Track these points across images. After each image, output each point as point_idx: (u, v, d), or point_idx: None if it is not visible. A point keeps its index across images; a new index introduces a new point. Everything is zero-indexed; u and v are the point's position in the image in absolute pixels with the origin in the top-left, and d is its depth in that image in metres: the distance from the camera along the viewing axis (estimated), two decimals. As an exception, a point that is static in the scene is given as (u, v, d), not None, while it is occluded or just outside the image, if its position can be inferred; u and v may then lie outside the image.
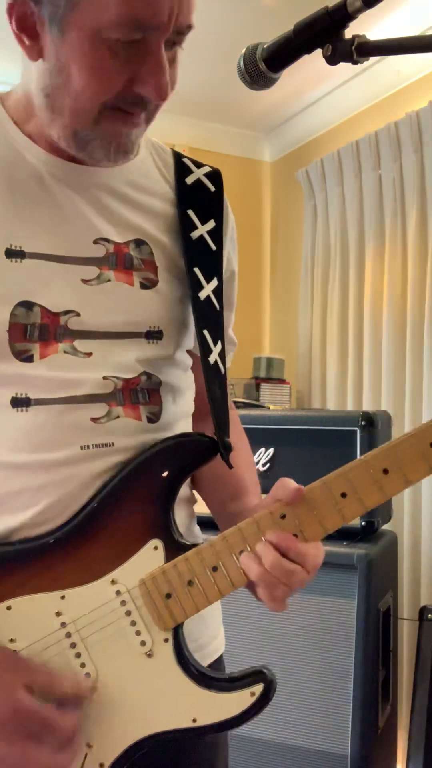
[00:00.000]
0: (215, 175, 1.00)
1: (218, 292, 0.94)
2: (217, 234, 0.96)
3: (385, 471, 0.80)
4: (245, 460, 1.02)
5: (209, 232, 0.95)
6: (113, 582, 0.82)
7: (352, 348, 2.82)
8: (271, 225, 3.66)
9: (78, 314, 0.85)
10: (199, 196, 0.97)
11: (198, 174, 0.99)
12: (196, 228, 0.94)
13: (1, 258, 0.81)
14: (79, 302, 0.85)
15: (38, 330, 0.82)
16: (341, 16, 0.81)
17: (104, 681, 0.81)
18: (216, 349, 0.92)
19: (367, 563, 1.90)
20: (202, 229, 0.95)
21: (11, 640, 0.81)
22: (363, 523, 1.99)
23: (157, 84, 0.78)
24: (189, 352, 0.98)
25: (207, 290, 0.92)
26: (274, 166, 3.63)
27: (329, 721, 1.88)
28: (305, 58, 0.88)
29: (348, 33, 0.83)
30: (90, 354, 0.85)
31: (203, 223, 0.95)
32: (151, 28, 0.75)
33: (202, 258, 0.93)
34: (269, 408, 2.78)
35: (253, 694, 0.81)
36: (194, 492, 1.02)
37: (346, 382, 2.85)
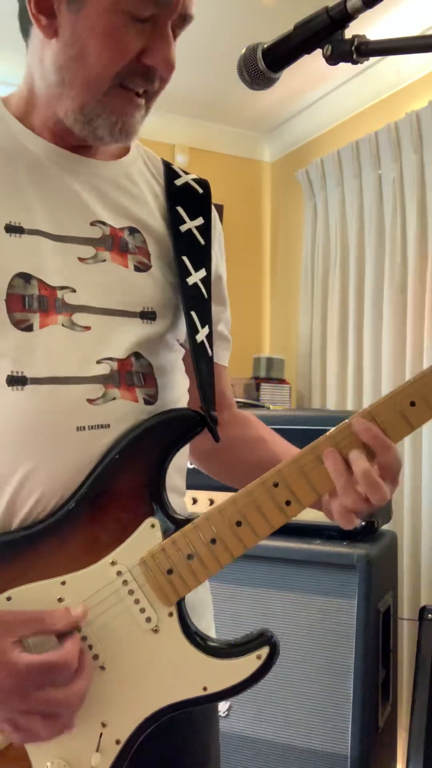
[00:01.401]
0: (203, 182, 1.05)
1: (206, 282, 0.97)
2: (206, 231, 1.00)
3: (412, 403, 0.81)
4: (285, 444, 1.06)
5: (197, 228, 0.99)
6: (113, 563, 0.83)
7: (352, 348, 2.82)
8: (271, 225, 3.66)
9: (74, 290, 0.87)
10: (187, 195, 1.01)
11: (186, 178, 1.04)
12: (184, 222, 0.98)
13: (1, 232, 0.84)
14: (76, 279, 0.87)
15: (37, 301, 0.84)
16: (341, 16, 0.81)
17: (113, 660, 0.82)
18: (203, 331, 0.94)
19: (367, 563, 1.90)
20: (191, 224, 0.99)
21: None
22: (363, 523, 2.00)
23: (166, 56, 0.85)
24: (181, 345, 1.00)
25: (195, 277, 0.95)
26: (274, 166, 3.63)
27: (329, 721, 1.88)
28: (305, 58, 0.88)
29: (348, 33, 0.83)
30: (88, 328, 0.87)
31: (191, 219, 0.99)
32: (163, 5, 0.83)
33: (191, 249, 0.97)
34: (269, 408, 2.79)
35: (259, 657, 0.82)
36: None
37: (346, 382, 2.85)
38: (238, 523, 0.82)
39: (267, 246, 3.66)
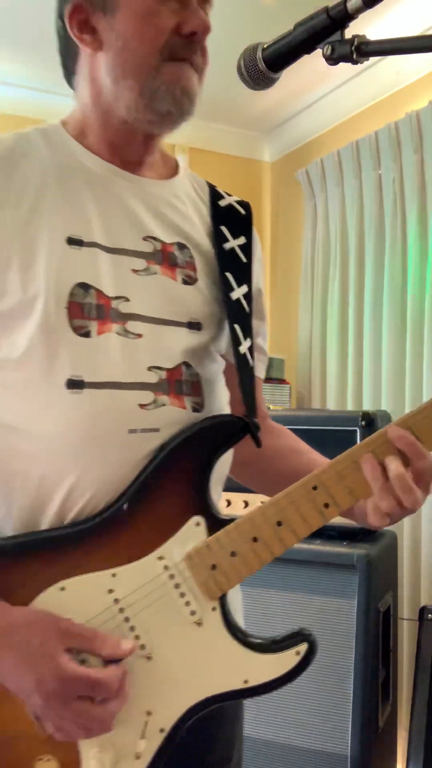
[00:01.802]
0: (245, 204, 1.12)
1: (248, 297, 1.03)
2: (247, 250, 1.06)
3: None
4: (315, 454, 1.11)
5: (240, 246, 1.05)
6: (160, 558, 0.87)
7: (352, 348, 2.82)
8: (271, 225, 3.66)
9: (128, 300, 0.93)
10: (230, 216, 1.08)
11: (230, 200, 1.11)
12: (228, 241, 1.05)
13: (63, 244, 0.90)
14: (129, 289, 0.93)
15: (95, 309, 0.90)
16: (341, 16, 0.81)
17: (158, 651, 0.86)
18: (245, 344, 1.00)
19: (367, 563, 1.90)
20: (234, 243, 1.05)
21: None
22: (363, 523, 1.99)
23: (200, 19, 0.93)
24: (222, 357, 1.06)
25: (238, 293, 1.01)
26: (274, 166, 3.63)
27: (329, 721, 1.89)
28: (305, 58, 0.88)
29: (348, 33, 0.83)
30: (140, 335, 0.92)
31: (234, 238, 1.05)
32: None
33: (234, 266, 1.03)
34: (269, 408, 2.79)
35: (298, 653, 0.87)
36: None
37: (346, 382, 2.85)
38: (279, 524, 0.87)
39: (267, 246, 3.66)
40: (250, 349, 1.01)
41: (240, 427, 0.92)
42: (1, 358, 0.89)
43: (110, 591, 0.86)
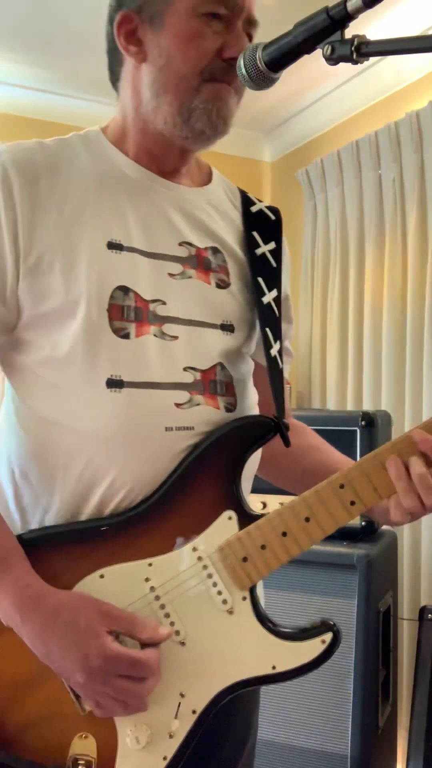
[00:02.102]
0: (275, 210, 1.15)
1: (277, 301, 1.07)
2: (277, 255, 1.10)
3: None
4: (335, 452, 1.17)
5: (270, 252, 1.09)
6: (194, 549, 0.92)
7: (352, 348, 2.82)
8: (271, 225, 3.66)
9: (164, 303, 0.97)
10: (261, 222, 1.12)
11: (260, 206, 1.14)
12: (259, 246, 1.08)
13: (104, 249, 0.94)
14: (165, 293, 0.97)
15: (134, 312, 0.94)
16: (341, 16, 0.81)
17: (192, 637, 0.91)
18: (276, 346, 1.05)
19: (367, 563, 1.90)
20: (265, 248, 1.09)
21: None
22: (363, 523, 2.00)
23: (241, 45, 0.94)
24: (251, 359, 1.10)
25: (268, 297, 1.05)
26: (274, 166, 3.63)
27: (329, 721, 1.89)
28: (305, 58, 0.88)
29: (348, 33, 0.83)
30: (176, 337, 0.96)
31: (265, 243, 1.09)
32: (230, 4, 0.94)
33: (265, 271, 1.07)
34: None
35: (323, 641, 0.91)
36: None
37: (346, 382, 2.85)
38: (307, 519, 0.92)
39: (267, 246, 3.66)
40: (280, 351, 1.05)
41: (271, 427, 0.97)
42: (45, 357, 0.94)
43: (147, 579, 0.91)
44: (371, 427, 2.05)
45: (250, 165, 3.61)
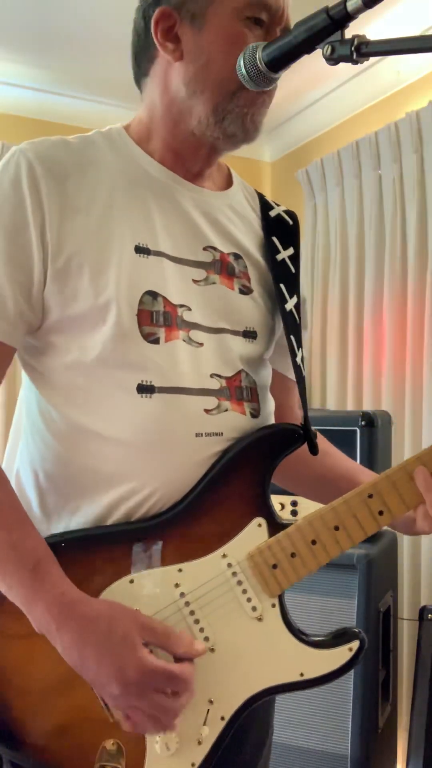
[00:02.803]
0: (292, 214, 1.15)
1: (297, 308, 1.06)
2: (296, 260, 1.09)
3: None
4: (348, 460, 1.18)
5: (289, 257, 1.08)
6: (224, 555, 0.92)
7: (352, 348, 2.82)
8: (271, 225, 3.65)
9: (189, 308, 0.96)
10: (280, 226, 1.11)
11: (278, 210, 1.13)
12: (279, 252, 1.07)
13: (131, 253, 0.93)
14: (191, 298, 0.96)
15: (163, 317, 0.93)
16: (341, 17, 0.81)
17: (221, 643, 0.91)
18: (299, 354, 1.04)
19: (367, 563, 1.90)
20: (284, 254, 1.08)
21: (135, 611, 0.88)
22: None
23: None
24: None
25: (290, 304, 1.05)
26: (274, 166, 3.63)
27: (329, 721, 1.88)
28: (305, 58, 0.88)
29: (348, 33, 0.83)
30: (202, 344, 0.96)
31: (284, 249, 1.08)
32: (272, 11, 0.94)
33: (285, 277, 1.06)
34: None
35: (351, 649, 0.92)
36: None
37: (346, 382, 2.85)
38: (336, 528, 0.93)
39: (267, 246, 3.66)
40: (302, 359, 1.06)
41: (300, 434, 0.98)
42: (73, 361, 0.92)
43: (177, 585, 0.90)
44: (371, 427, 2.04)
45: (250, 165, 3.60)
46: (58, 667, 0.85)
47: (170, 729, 0.84)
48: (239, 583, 0.91)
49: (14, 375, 2.15)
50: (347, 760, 1.85)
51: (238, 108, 0.94)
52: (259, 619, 0.91)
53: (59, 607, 0.83)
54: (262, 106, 0.97)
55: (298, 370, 1.04)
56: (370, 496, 0.92)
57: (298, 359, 1.04)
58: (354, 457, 1.07)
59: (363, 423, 2.04)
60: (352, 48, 0.81)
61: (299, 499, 2.01)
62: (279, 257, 1.07)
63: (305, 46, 0.85)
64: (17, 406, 1.04)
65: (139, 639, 0.82)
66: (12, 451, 1.02)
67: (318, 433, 1.19)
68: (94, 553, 0.90)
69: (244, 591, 0.91)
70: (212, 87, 0.94)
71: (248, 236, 1.06)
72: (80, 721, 0.88)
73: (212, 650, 0.90)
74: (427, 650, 1.95)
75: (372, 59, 0.93)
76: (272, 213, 1.12)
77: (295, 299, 1.06)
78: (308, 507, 2.00)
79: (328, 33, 0.83)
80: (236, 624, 0.91)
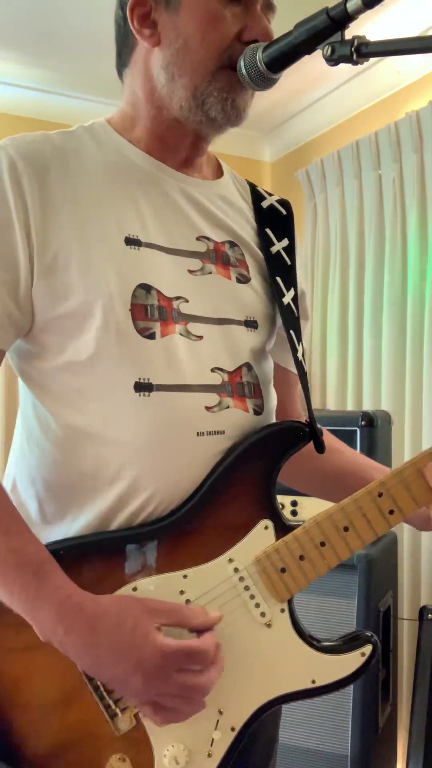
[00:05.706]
0: (285, 203, 1.11)
1: (295, 300, 1.04)
2: (291, 251, 1.06)
3: None
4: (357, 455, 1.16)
5: (284, 249, 1.05)
6: (230, 560, 0.88)
7: (352, 348, 2.82)
8: (271, 225, 3.65)
9: (186, 300, 0.93)
10: (273, 217, 1.08)
11: (271, 200, 1.10)
12: (274, 244, 1.04)
13: (121, 245, 0.90)
14: (187, 290, 0.93)
15: (157, 311, 0.90)
16: (341, 17, 0.81)
17: (230, 651, 0.86)
18: (300, 349, 1.01)
19: (367, 563, 1.90)
20: (279, 246, 1.05)
21: None
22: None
23: (264, 27, 0.91)
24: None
25: (288, 297, 1.02)
26: (274, 166, 3.63)
27: (329, 721, 1.89)
28: (305, 59, 0.88)
29: (348, 33, 0.83)
30: (201, 337, 0.92)
31: (279, 240, 1.05)
32: None
33: (281, 270, 1.03)
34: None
35: (363, 654, 0.89)
36: None
37: (346, 382, 2.85)
38: (346, 528, 0.89)
39: (267, 246, 3.66)
40: (303, 354, 1.03)
41: (306, 432, 0.94)
42: (67, 361, 0.89)
43: (182, 592, 0.87)
44: (371, 426, 2.04)
45: (250, 165, 3.60)
46: (59, 681, 0.83)
47: (203, 707, 0.81)
48: (246, 588, 0.88)
49: (15, 381, 2.14)
50: (347, 760, 1.85)
51: (217, 92, 0.91)
52: (268, 626, 0.88)
53: (66, 611, 0.80)
54: (242, 89, 0.93)
55: (299, 365, 1.01)
56: (380, 494, 0.88)
57: (299, 354, 1.01)
58: (354, 457, 1.06)
59: (363, 423, 2.04)
60: (352, 48, 0.81)
61: (299, 498, 2.01)
62: (273, 249, 1.04)
63: (305, 47, 0.85)
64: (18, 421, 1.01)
65: (151, 625, 0.79)
66: (11, 461, 0.99)
67: (325, 430, 1.16)
68: (95, 560, 0.87)
69: (252, 596, 0.88)
70: (191, 69, 0.91)
71: (241, 226, 1.03)
72: (85, 735, 0.85)
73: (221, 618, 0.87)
74: (427, 650, 1.95)
75: (372, 59, 0.92)
76: (264, 204, 1.08)
77: (292, 292, 1.03)
78: (308, 507, 2.00)
79: (328, 33, 0.82)
80: (245, 631, 0.88)
